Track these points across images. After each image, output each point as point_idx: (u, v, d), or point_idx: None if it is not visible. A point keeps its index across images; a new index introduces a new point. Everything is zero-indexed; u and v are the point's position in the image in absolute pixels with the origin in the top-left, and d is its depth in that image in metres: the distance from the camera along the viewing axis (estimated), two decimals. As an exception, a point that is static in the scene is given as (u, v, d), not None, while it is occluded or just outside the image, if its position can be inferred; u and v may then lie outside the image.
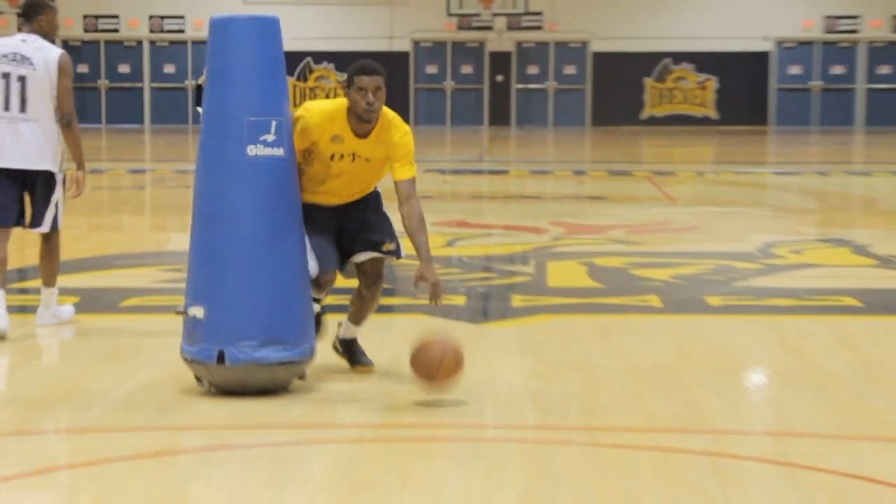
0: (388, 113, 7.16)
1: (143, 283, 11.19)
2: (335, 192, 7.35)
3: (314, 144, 7.14)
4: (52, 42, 9.07)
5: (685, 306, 10.21)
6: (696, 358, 8.41)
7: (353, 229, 7.39)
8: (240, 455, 6.20)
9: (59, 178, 9.03)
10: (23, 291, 10.71)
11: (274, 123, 7.13)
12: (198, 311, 7.14)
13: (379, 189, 7.52)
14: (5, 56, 8.86)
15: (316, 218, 7.28)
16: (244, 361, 7.05)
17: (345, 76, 7.31)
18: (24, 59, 8.83)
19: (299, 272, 7.30)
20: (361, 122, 7.03)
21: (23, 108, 8.84)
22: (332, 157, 7.15)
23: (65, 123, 8.93)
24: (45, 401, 7.28)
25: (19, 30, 9.15)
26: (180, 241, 8.28)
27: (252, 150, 7.07)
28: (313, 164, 7.28)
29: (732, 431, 6.73)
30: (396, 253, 7.38)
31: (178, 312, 7.35)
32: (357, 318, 7.49)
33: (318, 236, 7.25)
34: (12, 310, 9.29)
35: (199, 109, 8.04)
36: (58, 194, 9.02)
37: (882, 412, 7.05)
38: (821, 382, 7.73)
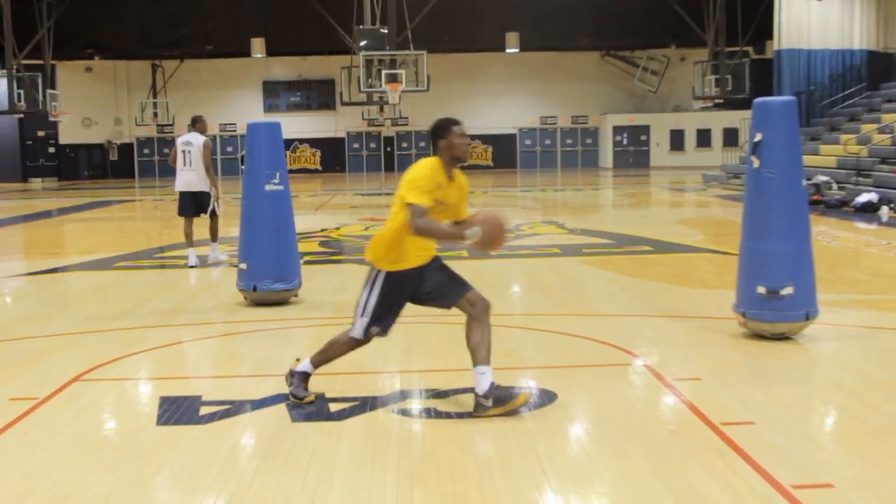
0: None
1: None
2: (427, 246, 4.50)
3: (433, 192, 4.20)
4: (203, 134, 9.58)
5: (480, 256, 10.18)
6: (486, 280, 8.37)
7: (438, 281, 4.61)
8: (265, 334, 6.08)
9: (211, 193, 9.61)
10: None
11: (278, 174, 7.00)
12: (243, 265, 7.04)
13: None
14: (184, 142, 9.49)
15: (402, 286, 4.46)
16: (265, 290, 6.96)
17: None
18: (190, 144, 9.47)
19: (292, 245, 7.18)
20: (457, 162, 4.28)
21: (191, 165, 9.45)
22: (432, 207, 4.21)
23: (207, 172, 9.52)
24: (169, 311, 7.09)
25: (189, 130, 9.70)
26: (236, 231, 8.04)
27: (267, 187, 6.96)
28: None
29: (503, 314, 6.71)
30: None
31: (234, 266, 7.26)
32: (480, 352, 4.47)
33: (392, 306, 4.46)
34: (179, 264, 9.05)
35: (243, 167, 7.92)
36: (212, 200, 9.61)
37: (573, 301, 7.13)
38: (543, 288, 7.78)
